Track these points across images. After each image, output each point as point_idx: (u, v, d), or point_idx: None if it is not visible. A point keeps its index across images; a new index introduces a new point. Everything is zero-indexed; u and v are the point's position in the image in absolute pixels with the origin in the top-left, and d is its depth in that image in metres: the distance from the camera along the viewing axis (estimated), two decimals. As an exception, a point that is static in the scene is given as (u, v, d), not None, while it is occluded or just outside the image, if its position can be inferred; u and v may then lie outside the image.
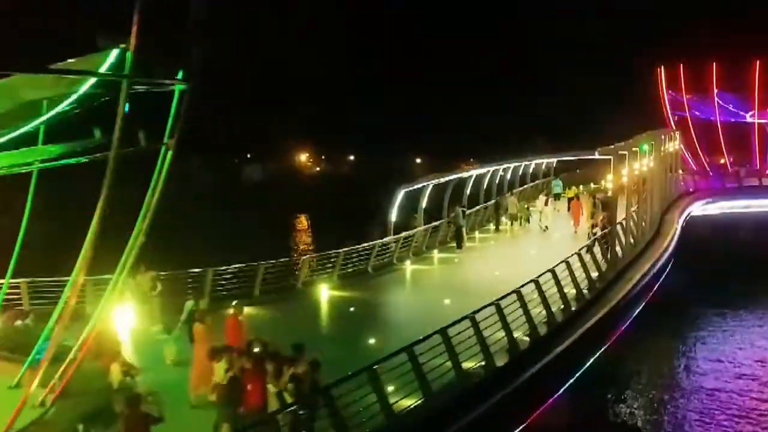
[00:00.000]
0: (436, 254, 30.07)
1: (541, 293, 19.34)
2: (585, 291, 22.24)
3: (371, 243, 26.68)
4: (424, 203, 30.60)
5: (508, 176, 41.59)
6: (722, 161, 68.00)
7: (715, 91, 61.37)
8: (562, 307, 20.54)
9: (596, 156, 28.13)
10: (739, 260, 43.75)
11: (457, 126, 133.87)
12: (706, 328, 32.20)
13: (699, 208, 51.32)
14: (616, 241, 27.11)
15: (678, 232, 37.51)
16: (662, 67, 65.18)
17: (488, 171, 35.75)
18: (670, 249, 32.57)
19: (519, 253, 29.58)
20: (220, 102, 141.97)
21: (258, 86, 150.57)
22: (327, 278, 24.71)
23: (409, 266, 27.89)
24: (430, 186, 30.32)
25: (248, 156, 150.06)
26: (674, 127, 65.70)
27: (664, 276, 30.08)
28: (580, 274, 22.19)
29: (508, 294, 17.79)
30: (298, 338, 19.37)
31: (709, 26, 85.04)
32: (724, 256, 45.67)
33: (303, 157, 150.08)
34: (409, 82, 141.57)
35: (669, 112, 65.92)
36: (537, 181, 47.06)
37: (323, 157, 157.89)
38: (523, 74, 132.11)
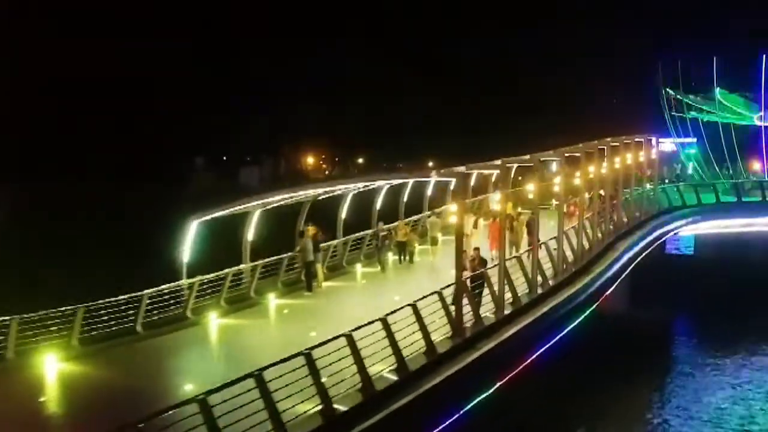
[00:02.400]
0: (269, 301, 23.34)
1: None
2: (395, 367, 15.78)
3: (155, 289, 20.08)
4: (250, 235, 23.77)
5: (429, 191, 34.53)
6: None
7: (717, 89, 53.24)
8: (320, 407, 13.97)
9: (432, 178, 21.09)
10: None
11: (475, 127, 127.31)
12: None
13: (682, 229, 43.81)
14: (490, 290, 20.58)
15: (621, 265, 30.47)
16: (660, 62, 57.40)
17: (366, 186, 27.83)
18: (589, 292, 25.56)
19: (380, 299, 22.44)
20: (230, 100, 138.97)
21: (272, 86, 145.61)
22: (62, 343, 18.28)
23: (213, 321, 21.24)
24: (257, 212, 23.38)
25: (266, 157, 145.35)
26: (674, 130, 58.27)
27: (566, 332, 23.06)
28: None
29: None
30: None
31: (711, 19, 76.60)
32: (697, 291, 38.62)
33: (310, 160, 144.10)
34: (423, 83, 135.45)
35: (669, 113, 58.15)
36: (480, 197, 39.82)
37: (336, 159, 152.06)
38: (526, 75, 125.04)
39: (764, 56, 50.79)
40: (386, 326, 16.25)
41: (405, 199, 32.11)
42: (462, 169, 20.37)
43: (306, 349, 14.17)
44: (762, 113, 52.30)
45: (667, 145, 61.98)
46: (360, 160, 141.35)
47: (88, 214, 66.76)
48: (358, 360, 15.17)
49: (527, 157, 24.51)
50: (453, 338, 18.35)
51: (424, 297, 18.39)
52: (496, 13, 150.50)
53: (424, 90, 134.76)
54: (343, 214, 28.15)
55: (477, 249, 21.63)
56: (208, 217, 21.28)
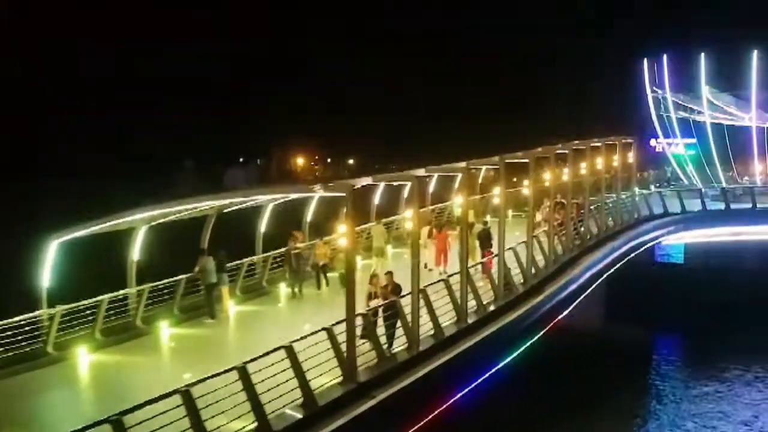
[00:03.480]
0: (159, 330, 20.22)
1: None
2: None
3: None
4: (135, 254, 20.54)
5: (376, 199, 31.28)
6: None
7: (705, 88, 49.95)
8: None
9: (317, 193, 18.03)
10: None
11: (475, 128, 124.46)
12: None
13: (665, 239, 40.64)
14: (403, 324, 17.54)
15: (581, 284, 27.38)
16: (645, 59, 54.09)
17: (281, 198, 24.06)
18: (535, 317, 22.52)
19: (290, 330, 19.09)
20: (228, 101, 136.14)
21: (269, 86, 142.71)
22: None
23: (81, 357, 18.16)
24: (144, 228, 20.21)
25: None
26: (662, 130, 55.01)
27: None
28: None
29: None
30: None
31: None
32: (682, 304, 35.68)
33: (300, 161, 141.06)
34: (421, 86, 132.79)
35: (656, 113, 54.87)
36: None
37: (329, 160, 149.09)
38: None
39: (755, 53, 47.44)
40: (244, 376, 13.25)
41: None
42: (367, 180, 17.26)
43: (113, 415, 11.19)
44: (753, 113, 48.96)
45: (660, 146, 58.90)
46: (350, 161, 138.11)
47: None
48: (196, 421, 12.19)
49: (462, 164, 21.48)
50: (344, 384, 15.31)
51: (313, 333, 15.42)
52: (495, 14, 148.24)
53: (423, 90, 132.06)
54: (263, 227, 25.01)
55: (390, 273, 18.53)
56: (69, 236, 18.15)
